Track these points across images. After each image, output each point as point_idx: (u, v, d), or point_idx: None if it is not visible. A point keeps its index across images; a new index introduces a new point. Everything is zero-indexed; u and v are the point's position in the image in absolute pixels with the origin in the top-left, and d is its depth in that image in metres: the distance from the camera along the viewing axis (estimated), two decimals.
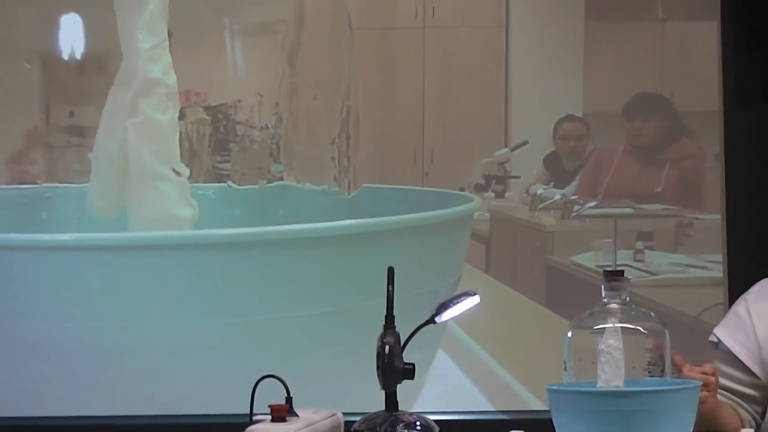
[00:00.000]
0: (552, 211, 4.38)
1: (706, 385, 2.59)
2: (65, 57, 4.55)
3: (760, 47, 4.18)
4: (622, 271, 2.62)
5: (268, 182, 4.46)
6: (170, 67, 4.46)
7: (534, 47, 4.42)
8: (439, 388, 4.19)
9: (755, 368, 2.83)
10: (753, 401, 2.85)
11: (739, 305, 2.92)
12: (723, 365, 2.84)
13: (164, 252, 4.44)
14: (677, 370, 2.57)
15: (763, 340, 2.83)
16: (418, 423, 2.78)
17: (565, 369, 2.58)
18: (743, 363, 2.83)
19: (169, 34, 4.47)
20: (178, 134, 4.46)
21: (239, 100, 4.49)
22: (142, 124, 4.46)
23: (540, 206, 4.39)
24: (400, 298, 2.87)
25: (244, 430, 2.64)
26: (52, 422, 4.46)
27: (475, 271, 4.37)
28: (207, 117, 4.49)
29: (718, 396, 2.76)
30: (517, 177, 4.40)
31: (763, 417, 2.86)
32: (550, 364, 2.75)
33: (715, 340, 2.89)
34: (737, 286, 3.23)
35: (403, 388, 2.83)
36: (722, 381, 2.79)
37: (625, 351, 2.47)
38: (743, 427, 2.82)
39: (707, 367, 2.59)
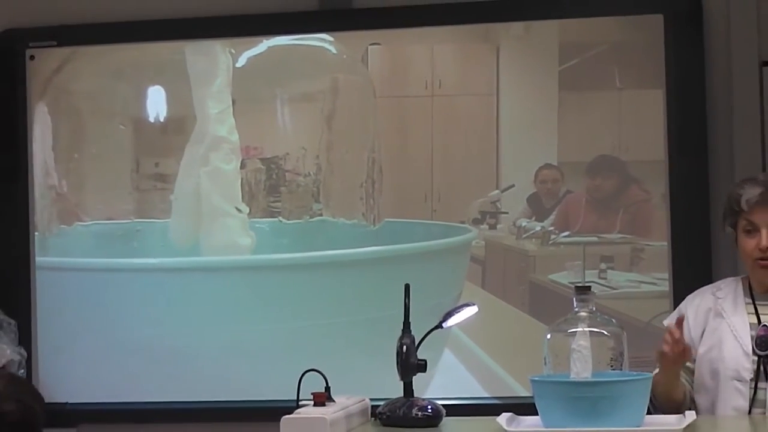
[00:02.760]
0: (534, 240, 4.36)
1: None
2: (152, 120, 4.56)
3: (696, 110, 4.19)
4: (589, 287, 2.64)
5: (311, 218, 4.45)
6: (234, 128, 4.48)
7: (519, 110, 4.41)
8: (445, 379, 4.18)
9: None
10: (688, 371, 2.91)
11: (682, 303, 3.05)
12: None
13: (229, 272, 4.44)
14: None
15: (690, 319, 2.95)
16: (429, 406, 2.79)
17: (545, 363, 2.59)
18: None
19: (233, 101, 4.49)
20: (240, 180, 4.47)
21: (288, 153, 4.49)
22: (212, 172, 4.48)
23: (524, 236, 4.37)
24: (415, 308, 2.87)
25: (293, 412, 2.64)
26: (140, 407, 4.45)
27: (473, 287, 4.35)
28: (262, 166, 4.49)
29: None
30: (506, 213, 4.38)
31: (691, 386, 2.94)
32: (533, 359, 2.75)
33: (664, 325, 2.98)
34: (680, 297, 3.23)
35: (417, 379, 2.83)
36: None
37: (592, 349, 2.48)
38: (686, 399, 2.84)
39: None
